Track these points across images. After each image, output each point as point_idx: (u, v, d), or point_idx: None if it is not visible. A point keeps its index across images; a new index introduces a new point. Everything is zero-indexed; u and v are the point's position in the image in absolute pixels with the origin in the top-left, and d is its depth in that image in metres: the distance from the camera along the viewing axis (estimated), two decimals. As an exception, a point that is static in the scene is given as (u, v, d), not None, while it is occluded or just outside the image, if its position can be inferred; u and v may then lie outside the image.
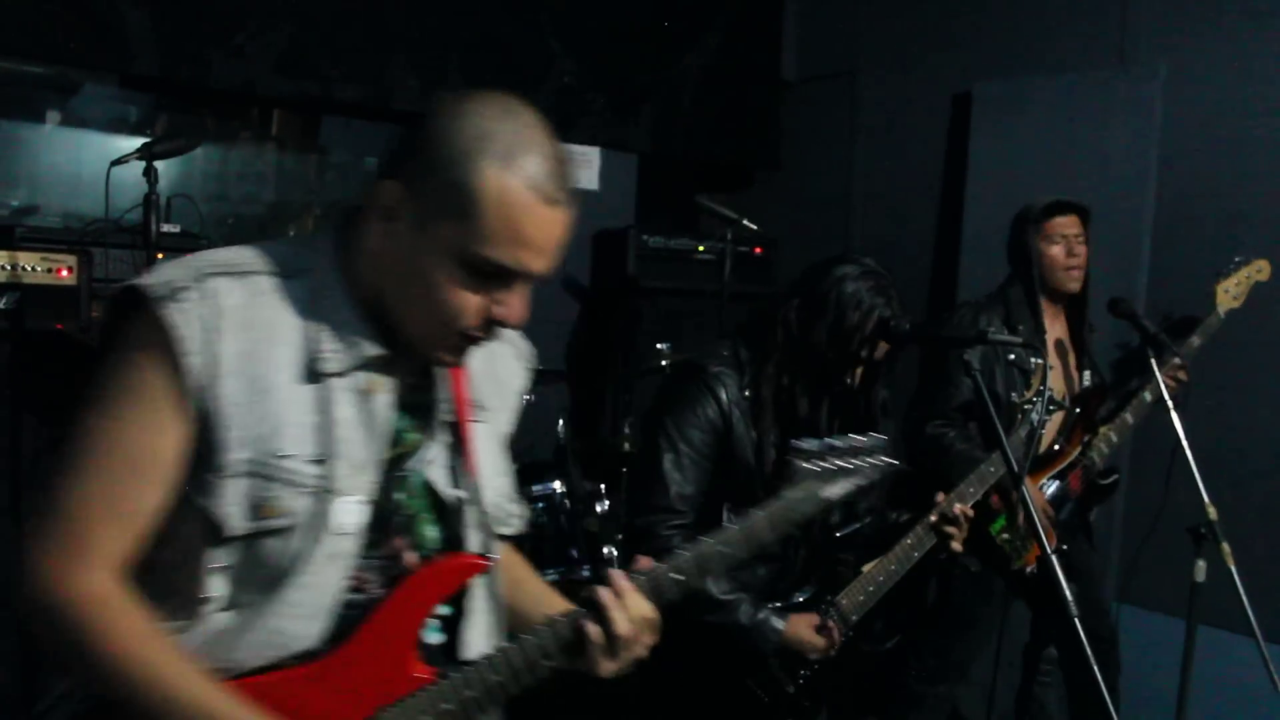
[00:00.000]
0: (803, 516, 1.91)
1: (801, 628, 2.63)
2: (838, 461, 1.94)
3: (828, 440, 1.95)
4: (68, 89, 4.68)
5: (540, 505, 4.10)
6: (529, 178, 1.43)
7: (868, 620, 2.75)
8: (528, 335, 4.93)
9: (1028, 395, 3.18)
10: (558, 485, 4.14)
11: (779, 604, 2.69)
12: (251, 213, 5.19)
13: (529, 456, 4.63)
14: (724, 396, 2.64)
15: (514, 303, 1.52)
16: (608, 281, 5.51)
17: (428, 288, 1.48)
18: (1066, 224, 3.65)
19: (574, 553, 4.08)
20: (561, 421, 4.41)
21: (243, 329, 1.46)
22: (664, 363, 4.47)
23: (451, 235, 1.45)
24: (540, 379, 4.37)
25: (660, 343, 4.59)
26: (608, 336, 5.46)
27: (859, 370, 2.68)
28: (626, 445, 4.66)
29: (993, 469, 2.98)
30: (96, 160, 3.81)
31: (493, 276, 1.48)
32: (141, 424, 1.43)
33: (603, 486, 4.36)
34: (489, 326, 1.53)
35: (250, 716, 1.43)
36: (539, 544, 4.06)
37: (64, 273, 3.68)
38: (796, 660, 2.66)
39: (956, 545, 2.76)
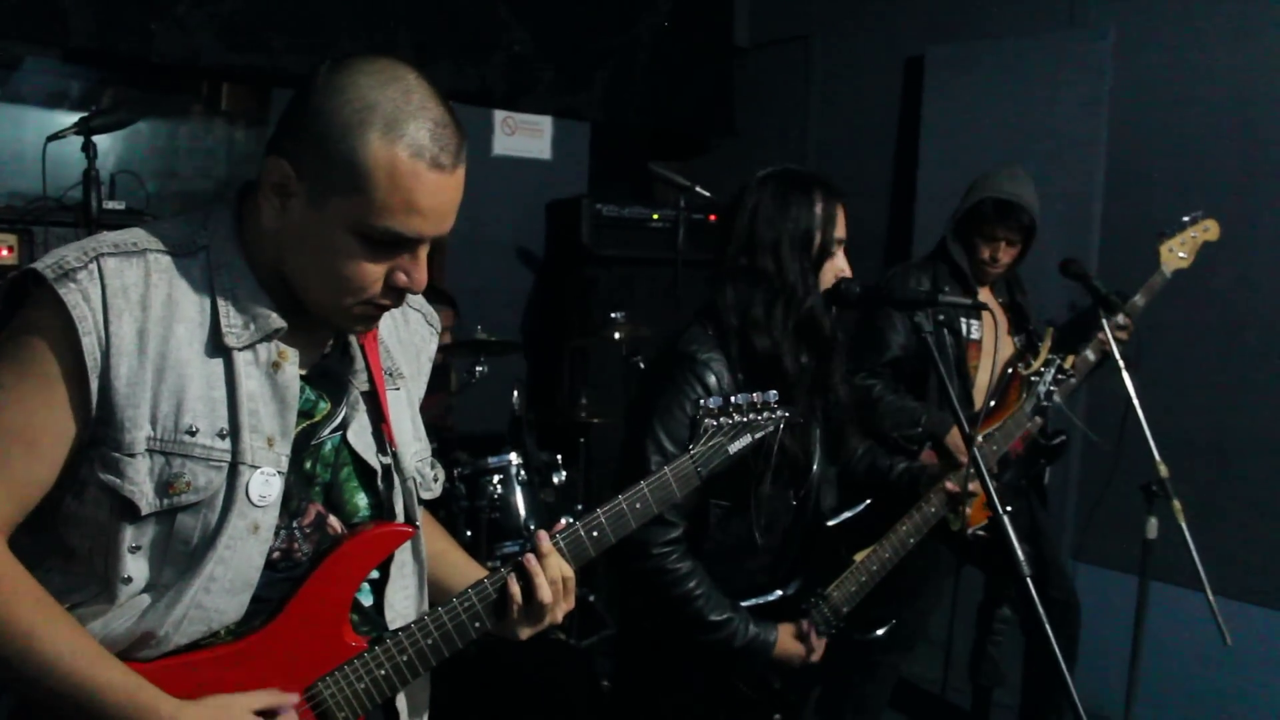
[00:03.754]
0: (709, 470, 1.96)
1: (790, 640, 2.54)
2: (739, 417, 1.99)
3: (731, 397, 1.99)
4: (8, 64, 4.58)
5: (497, 478, 4.08)
6: (415, 145, 1.42)
7: (860, 609, 2.66)
8: (482, 305, 4.93)
9: (1035, 365, 3.16)
10: (513, 457, 4.12)
11: (769, 598, 2.60)
12: (201, 188, 5.11)
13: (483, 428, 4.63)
14: (714, 383, 2.44)
15: (415, 269, 1.51)
16: (562, 251, 5.50)
17: (328, 261, 1.47)
18: (1004, 232, 3.61)
19: (531, 525, 4.06)
20: (516, 393, 4.39)
21: (139, 307, 1.44)
22: (617, 335, 4.45)
23: (345, 209, 1.43)
24: (494, 350, 4.41)
25: (614, 311, 4.58)
26: (562, 306, 5.45)
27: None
28: (583, 415, 4.65)
29: (1018, 426, 3.02)
30: (38, 137, 3.74)
31: (391, 244, 1.47)
32: (34, 399, 1.41)
33: (559, 457, 4.35)
34: (394, 294, 1.52)
35: (134, 683, 1.42)
36: (496, 517, 4.05)
37: (4, 252, 3.63)
38: (785, 666, 2.58)
39: (969, 516, 2.75)
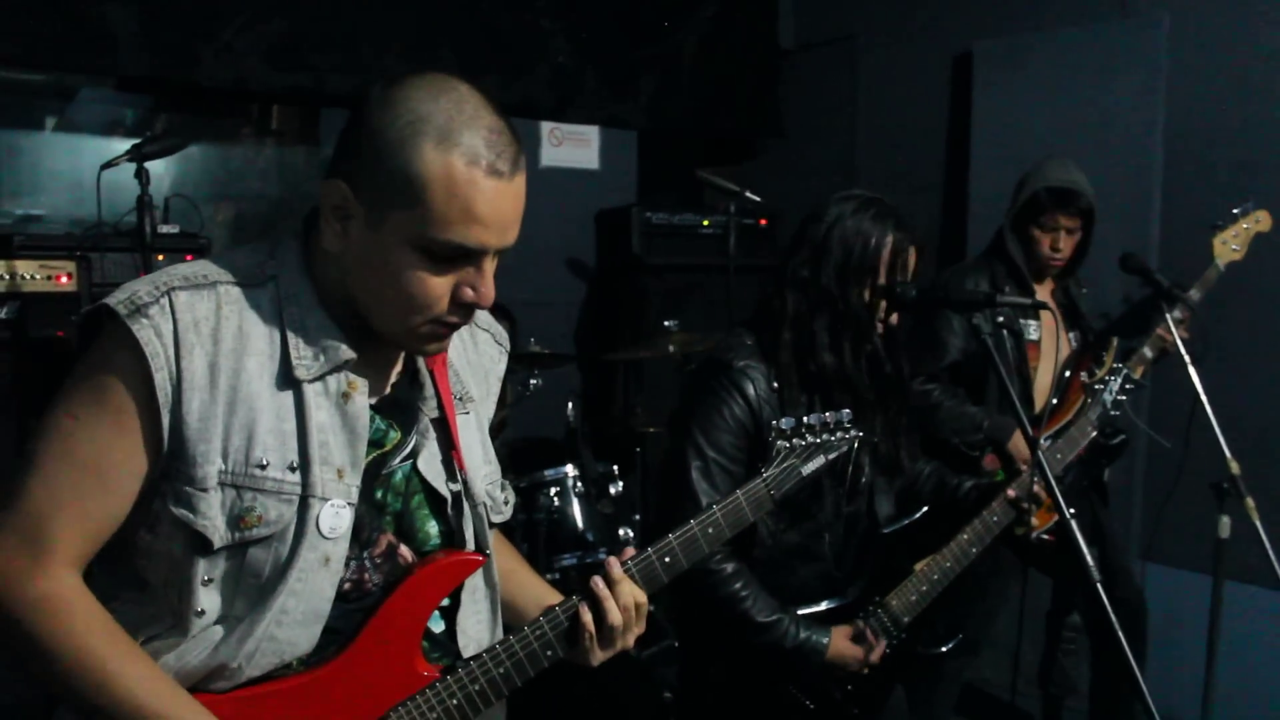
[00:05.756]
0: (782, 493, 1.94)
1: (844, 642, 2.51)
2: (812, 438, 1.96)
3: (803, 418, 1.96)
4: (64, 95, 4.66)
5: (553, 490, 4.07)
6: (470, 153, 1.40)
7: (924, 618, 2.62)
8: (534, 318, 4.94)
9: (1099, 374, 3.11)
10: (570, 469, 4.11)
11: (825, 606, 2.58)
12: (254, 210, 5.17)
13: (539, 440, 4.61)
14: (752, 392, 2.47)
15: (481, 283, 1.48)
16: (612, 260, 5.49)
17: (393, 280, 1.45)
18: (1062, 219, 3.57)
19: (590, 537, 4.05)
20: (571, 404, 4.38)
21: (211, 341, 1.44)
22: (671, 347, 4.42)
23: (404, 223, 1.41)
24: (548, 362, 4.40)
25: (667, 320, 4.56)
26: (615, 316, 5.44)
27: (883, 321, 2.53)
28: (638, 425, 4.63)
29: (1083, 435, 2.98)
30: (95, 165, 3.79)
31: (454, 258, 1.45)
32: (106, 432, 1.42)
33: (615, 468, 4.33)
34: (461, 310, 1.50)
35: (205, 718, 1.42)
36: (554, 529, 4.04)
37: (63, 279, 3.68)
38: (842, 672, 2.54)
39: (1035, 522, 2.69)
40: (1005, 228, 3.66)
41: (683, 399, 2.65)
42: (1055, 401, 3.42)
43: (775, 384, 2.51)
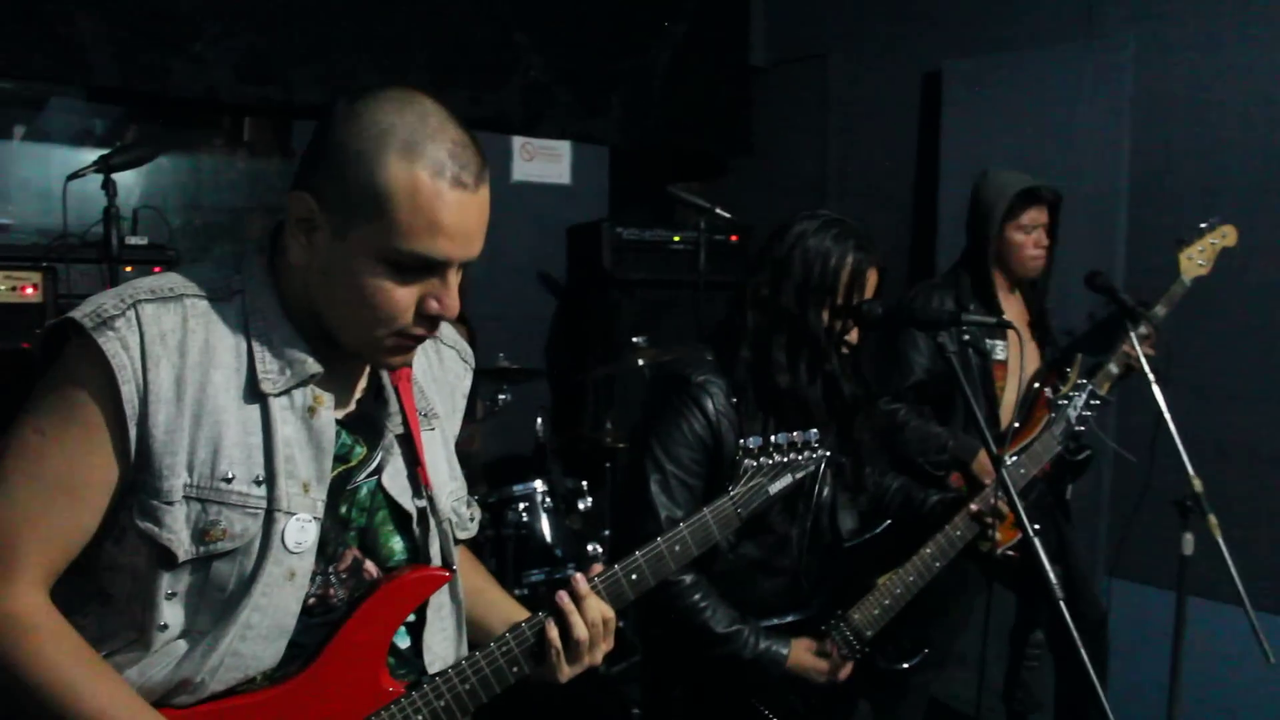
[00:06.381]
0: (749, 511, 1.94)
1: (805, 654, 2.52)
2: (779, 457, 1.97)
3: (771, 437, 1.96)
4: (34, 104, 4.62)
5: (522, 505, 4.06)
6: (435, 165, 1.40)
7: (888, 633, 2.62)
8: (504, 332, 4.92)
9: (1064, 390, 3.13)
10: (539, 484, 4.10)
11: (787, 619, 2.59)
12: (224, 221, 5.13)
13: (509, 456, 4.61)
14: (711, 407, 2.48)
15: (446, 294, 1.49)
16: (583, 275, 5.50)
17: (358, 292, 1.45)
18: (1037, 215, 3.61)
19: (558, 552, 4.05)
20: (540, 420, 4.38)
21: (177, 354, 1.44)
22: (640, 362, 4.42)
23: (370, 236, 1.42)
24: (517, 377, 4.39)
25: (637, 335, 4.56)
26: (584, 331, 5.44)
27: (841, 341, 2.53)
28: (608, 440, 4.63)
29: (1047, 451, 2.99)
30: (63, 175, 3.76)
31: (419, 270, 1.45)
32: (75, 447, 1.41)
33: (585, 483, 4.33)
34: (426, 322, 1.50)
35: None
36: (522, 544, 4.03)
37: (29, 290, 3.64)
38: (805, 684, 2.54)
39: (999, 538, 2.70)
40: (989, 243, 3.65)
41: (643, 413, 2.67)
42: (1018, 425, 3.43)
43: (734, 399, 2.52)
